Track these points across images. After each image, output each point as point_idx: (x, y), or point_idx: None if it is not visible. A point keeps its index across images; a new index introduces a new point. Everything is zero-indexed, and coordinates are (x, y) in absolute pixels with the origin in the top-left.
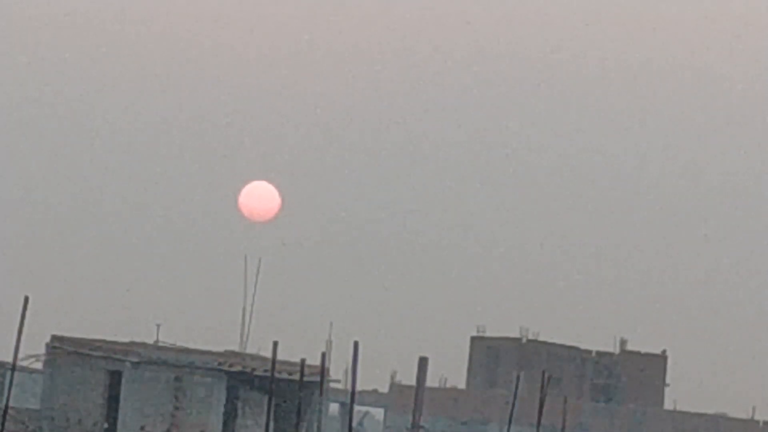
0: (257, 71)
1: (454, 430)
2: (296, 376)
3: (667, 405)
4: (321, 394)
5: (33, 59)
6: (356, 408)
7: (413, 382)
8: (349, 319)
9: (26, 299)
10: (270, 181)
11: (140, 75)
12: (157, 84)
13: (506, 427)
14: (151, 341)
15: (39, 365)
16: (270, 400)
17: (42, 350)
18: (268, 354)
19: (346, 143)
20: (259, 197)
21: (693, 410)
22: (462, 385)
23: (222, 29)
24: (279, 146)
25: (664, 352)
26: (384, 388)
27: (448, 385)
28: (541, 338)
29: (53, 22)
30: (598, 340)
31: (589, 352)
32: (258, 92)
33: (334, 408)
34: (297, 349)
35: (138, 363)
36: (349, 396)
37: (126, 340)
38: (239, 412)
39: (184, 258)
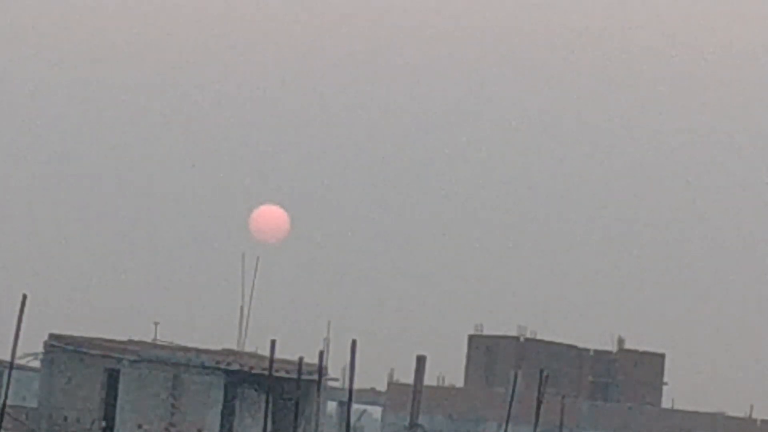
0: (269, 99)
1: (452, 429)
2: (294, 375)
3: (665, 403)
4: (319, 392)
5: (40, 65)
6: (354, 406)
7: (411, 380)
8: (346, 318)
9: (24, 297)
10: (280, 204)
11: (155, 95)
12: (172, 107)
13: (504, 425)
14: (149, 339)
15: (37, 363)
16: (268, 398)
17: (40, 348)
18: (266, 352)
19: (348, 154)
20: (269, 219)
21: (691, 409)
22: (460, 384)
23: (235, 55)
24: (289, 171)
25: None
26: (382, 387)
27: (446, 384)
28: (539, 337)
29: (65, 43)
30: (595, 339)
31: (587, 350)
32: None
33: (331, 406)
34: (295, 347)
35: (136, 361)
36: (347, 394)
37: (124, 338)
38: (237, 410)
39: (182, 257)
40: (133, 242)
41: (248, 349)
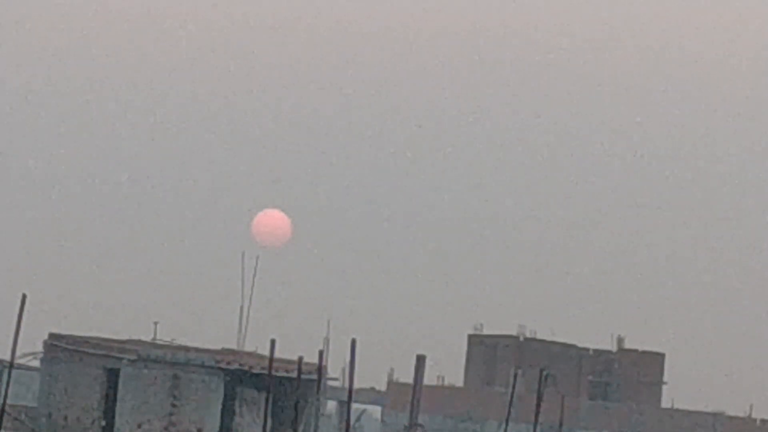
0: (271, 103)
1: (451, 428)
2: (294, 374)
3: (665, 403)
4: (318, 391)
5: (41, 64)
6: (354, 406)
7: (411, 380)
8: (346, 317)
9: (24, 297)
10: (282, 209)
11: (159, 97)
12: (175, 110)
13: (504, 424)
14: (148, 339)
15: (36, 363)
16: (267, 397)
17: (39, 348)
18: (266, 352)
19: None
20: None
21: (690, 408)
22: (459, 383)
23: (238, 60)
24: (291, 176)
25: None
26: (381, 386)
27: (445, 383)
28: (539, 336)
29: (69, 44)
30: (595, 338)
31: (587, 350)
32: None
33: (331, 406)
34: (294, 346)
35: (135, 361)
36: (346, 394)
37: (123, 337)
38: (237, 410)
39: (183, 258)
40: (133, 243)
41: (248, 348)
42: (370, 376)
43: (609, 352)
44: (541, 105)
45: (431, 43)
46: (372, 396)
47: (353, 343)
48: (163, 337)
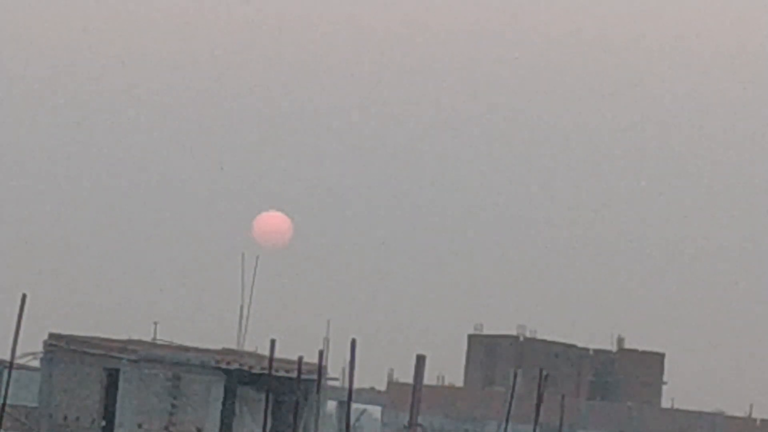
0: (272, 105)
1: (451, 428)
2: (294, 374)
3: (665, 403)
4: (318, 392)
5: (41, 64)
6: (354, 406)
7: (411, 380)
8: (346, 317)
9: (24, 297)
10: (283, 210)
11: (160, 98)
12: (177, 111)
13: (504, 424)
14: (148, 339)
15: (36, 363)
16: (267, 397)
17: (39, 348)
18: (266, 352)
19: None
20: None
21: (690, 408)
22: (459, 383)
23: (239, 61)
24: (292, 178)
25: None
26: (381, 386)
27: (445, 383)
28: (539, 336)
29: (70, 45)
30: (595, 338)
31: (587, 350)
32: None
33: (331, 406)
34: (295, 346)
35: (135, 361)
36: (346, 394)
37: (123, 337)
38: (237, 410)
39: (183, 258)
40: (133, 243)
41: (248, 348)
42: (370, 376)
43: (609, 352)
44: (542, 105)
45: (432, 43)
46: (372, 396)
47: (353, 342)
48: (163, 337)
